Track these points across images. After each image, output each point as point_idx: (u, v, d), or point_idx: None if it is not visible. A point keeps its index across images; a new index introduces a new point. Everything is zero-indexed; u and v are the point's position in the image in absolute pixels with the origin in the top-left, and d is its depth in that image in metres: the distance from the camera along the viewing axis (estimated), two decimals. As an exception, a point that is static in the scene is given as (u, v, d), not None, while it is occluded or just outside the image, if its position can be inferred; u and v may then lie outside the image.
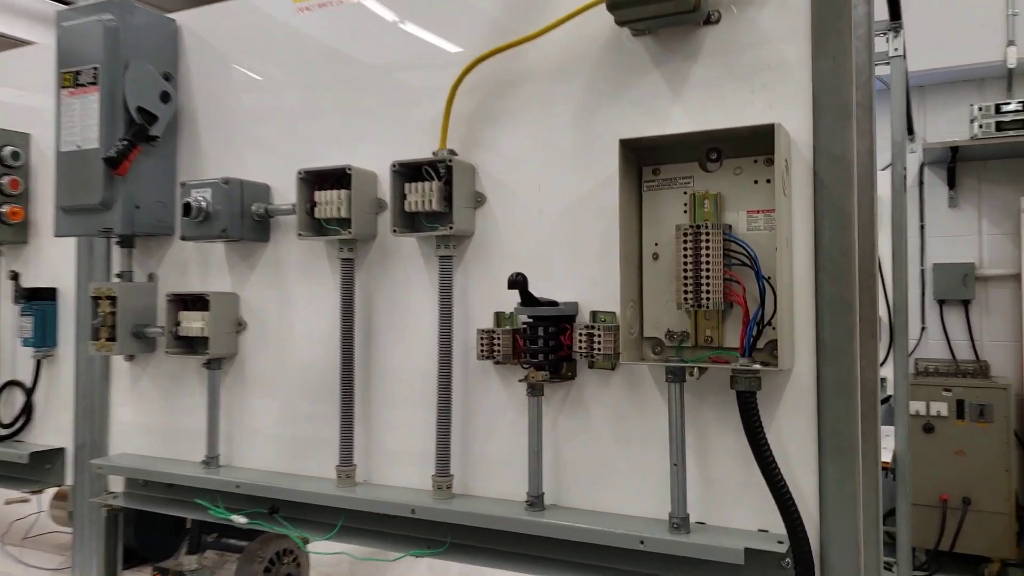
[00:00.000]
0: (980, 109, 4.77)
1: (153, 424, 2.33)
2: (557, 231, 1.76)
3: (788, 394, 1.53)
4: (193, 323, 2.11)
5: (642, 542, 1.54)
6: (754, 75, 1.57)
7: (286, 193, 2.10)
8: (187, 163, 2.29)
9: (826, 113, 1.49)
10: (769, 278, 1.49)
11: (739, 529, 1.56)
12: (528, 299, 1.64)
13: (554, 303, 1.67)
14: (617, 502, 1.68)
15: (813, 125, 1.51)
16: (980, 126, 4.77)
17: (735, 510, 1.57)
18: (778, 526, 1.47)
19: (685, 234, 1.51)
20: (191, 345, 2.17)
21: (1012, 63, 4.91)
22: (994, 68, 5.01)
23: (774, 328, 1.50)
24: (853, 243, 1.48)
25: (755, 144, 1.53)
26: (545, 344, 1.66)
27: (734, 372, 1.49)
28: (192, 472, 2.11)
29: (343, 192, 1.88)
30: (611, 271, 1.67)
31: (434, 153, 1.81)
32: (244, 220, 2.07)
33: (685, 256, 1.51)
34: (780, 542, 1.48)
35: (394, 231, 1.81)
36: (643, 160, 1.63)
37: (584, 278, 1.72)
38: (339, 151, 2.03)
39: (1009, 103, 4.72)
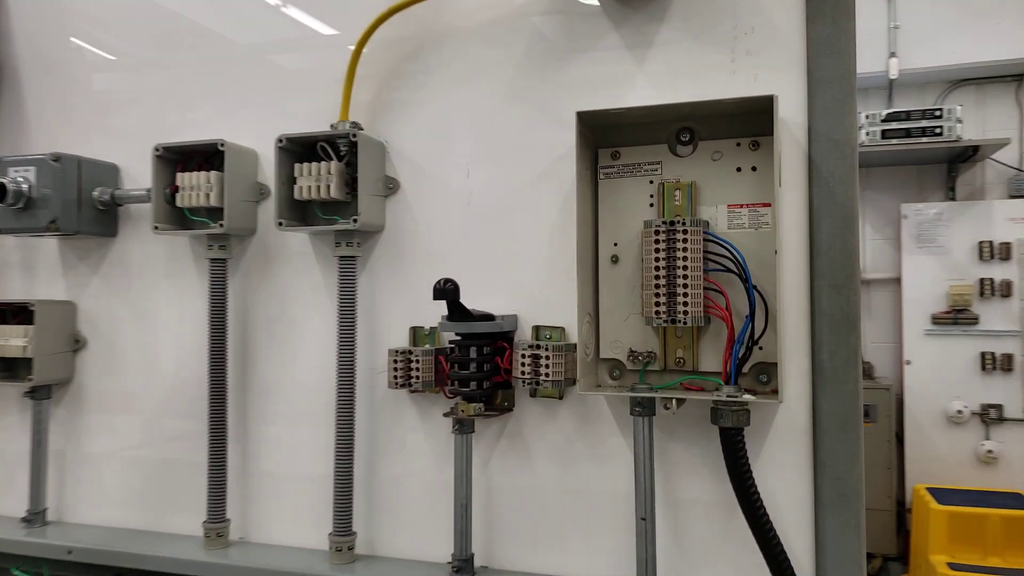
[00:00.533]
0: (868, 117, 4.79)
1: (-42, 468, 1.83)
2: (489, 227, 1.42)
3: (777, 429, 1.26)
4: (12, 340, 1.64)
5: (602, 616, 1.23)
6: (735, 39, 1.29)
7: (139, 177, 1.67)
8: (7, 135, 1.81)
9: (824, 88, 1.23)
10: (755, 287, 1.21)
11: (718, 595, 1.28)
12: (459, 312, 1.30)
13: (490, 317, 1.33)
14: (566, 564, 1.36)
15: (808, 102, 1.24)
16: (867, 133, 4.79)
17: (711, 571, 1.29)
18: (767, 591, 1.19)
19: (657, 231, 1.22)
20: (10, 368, 1.69)
21: (894, 74, 4.98)
22: (876, 78, 5.07)
23: (761, 348, 1.23)
24: (857, 245, 1.22)
25: (738, 123, 1.26)
26: (479, 368, 1.32)
27: (717, 404, 1.20)
28: (9, 533, 1.63)
29: (214, 174, 1.48)
30: (556, 277, 1.36)
31: (332, 126, 1.44)
32: (83, 209, 1.63)
33: (657, 259, 1.21)
34: (771, 611, 1.20)
35: (280, 224, 1.42)
36: (600, 141, 1.33)
37: (521, 285, 1.40)
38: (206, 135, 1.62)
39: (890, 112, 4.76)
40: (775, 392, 1.23)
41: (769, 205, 1.25)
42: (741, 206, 1.26)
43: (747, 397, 1.17)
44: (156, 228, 1.50)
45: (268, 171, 1.54)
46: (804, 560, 1.23)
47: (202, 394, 1.52)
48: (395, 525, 1.46)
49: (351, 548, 1.43)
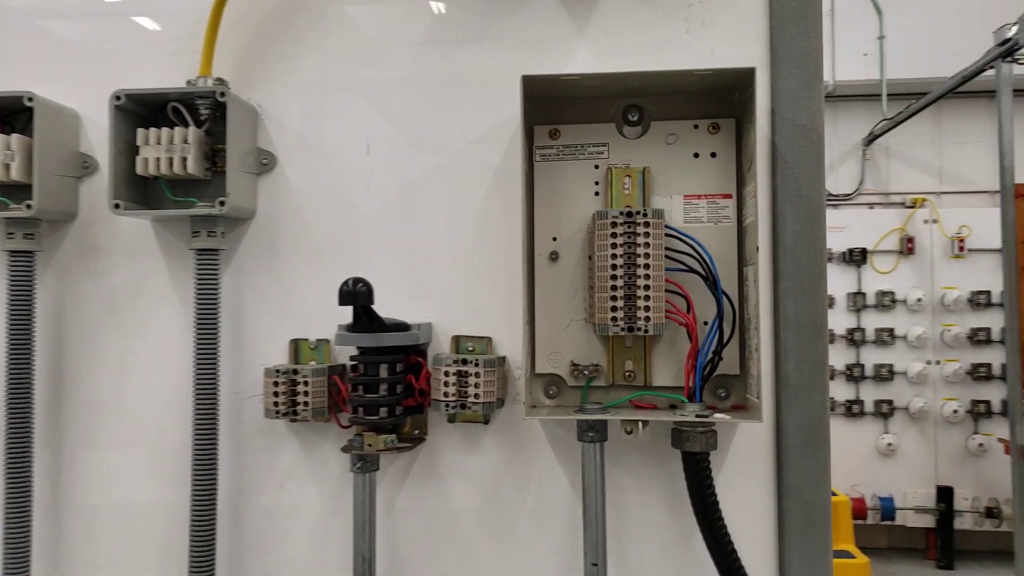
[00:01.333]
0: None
1: None
2: (394, 215, 1.16)
3: (736, 448, 1.11)
4: None
5: None
6: (689, 7, 1.13)
7: None
8: None
9: (789, 67, 1.10)
10: (724, 291, 1.06)
11: (674, 646, 1.10)
12: (371, 320, 1.03)
13: (404, 326, 1.08)
14: (495, 623, 1.13)
15: (771, 81, 1.11)
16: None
17: (665, 618, 1.11)
18: (733, 638, 1.03)
19: (614, 223, 1.03)
20: None
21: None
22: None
23: (722, 359, 1.07)
24: (824, 243, 1.10)
25: (695, 102, 1.10)
26: (391, 390, 1.06)
27: (682, 426, 1.03)
28: None
29: (16, 139, 1.11)
30: (478, 277, 1.14)
31: (190, 82, 1.12)
32: None
33: (615, 256, 1.02)
34: (738, 662, 1.04)
35: (116, 206, 1.08)
36: (536, 116, 1.12)
37: (435, 287, 1.15)
38: None
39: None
40: (736, 408, 1.09)
41: (730, 196, 1.10)
42: (699, 197, 1.10)
43: (720, 417, 1.01)
44: (-72, 208, 1.11)
45: (95, 138, 1.19)
46: (769, 598, 1.09)
47: (-4, 431, 1.14)
48: (273, 590, 1.16)
49: (213, 624, 1.11)
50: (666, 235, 1.05)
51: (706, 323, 1.08)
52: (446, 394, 1.05)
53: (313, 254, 1.17)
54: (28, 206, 1.11)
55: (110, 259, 1.19)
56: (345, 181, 1.17)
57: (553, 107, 1.11)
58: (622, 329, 1.02)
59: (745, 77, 1.01)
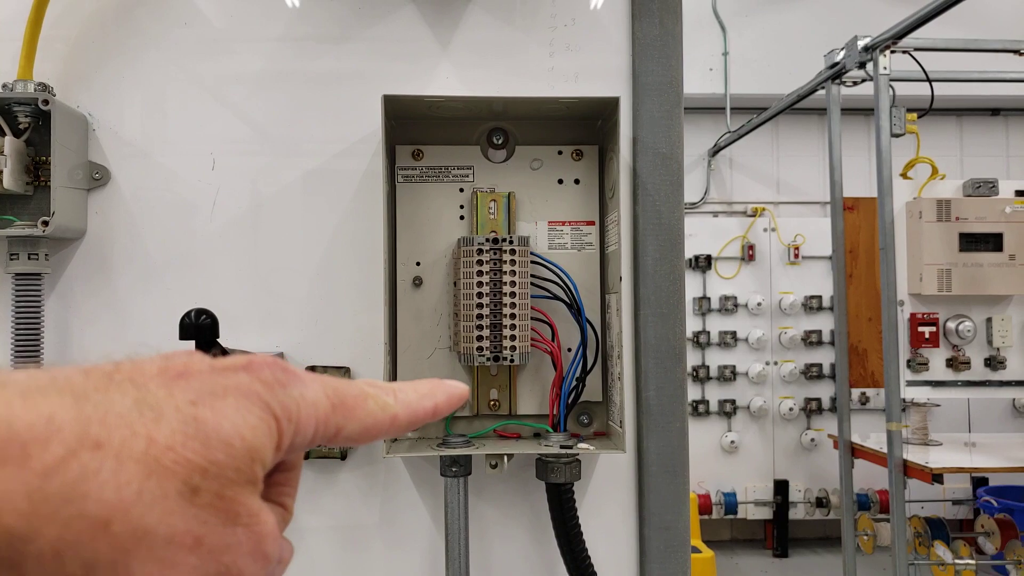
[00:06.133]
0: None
1: None
2: (242, 236, 1.08)
3: (599, 477, 1.11)
4: None
5: None
6: (553, 31, 1.12)
7: None
8: None
9: (650, 95, 1.11)
10: (588, 318, 1.05)
11: (537, 678, 1.09)
12: (216, 355, 0.95)
13: (254, 358, 1.01)
14: (353, 668, 1.08)
15: (633, 109, 1.11)
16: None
17: (529, 650, 1.10)
18: (596, 667, 1.03)
19: (480, 250, 1.00)
20: None
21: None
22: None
23: (585, 385, 1.07)
24: (682, 270, 1.11)
25: (559, 128, 1.09)
26: (239, 428, 0.99)
27: (545, 457, 1.01)
28: None
29: (11, 141, 0.95)
30: (335, 303, 1.08)
31: (7, 86, 1.00)
32: None
33: (480, 284, 1.00)
34: None
35: (-87, 225, 0.95)
36: (398, 135, 1.07)
37: (287, 315, 1.08)
38: None
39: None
40: (598, 435, 1.09)
41: (593, 223, 1.09)
42: (563, 223, 1.09)
43: (584, 447, 1.00)
44: None
45: None
46: (631, 624, 1.10)
47: None
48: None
49: None
50: (531, 262, 1.03)
51: (570, 350, 1.07)
52: (301, 430, 0.99)
53: (151, 278, 1.07)
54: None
55: (-93, 283, 1.05)
56: (188, 198, 1.08)
57: (416, 126, 1.07)
58: (488, 359, 1.00)
59: (609, 105, 1.01)
